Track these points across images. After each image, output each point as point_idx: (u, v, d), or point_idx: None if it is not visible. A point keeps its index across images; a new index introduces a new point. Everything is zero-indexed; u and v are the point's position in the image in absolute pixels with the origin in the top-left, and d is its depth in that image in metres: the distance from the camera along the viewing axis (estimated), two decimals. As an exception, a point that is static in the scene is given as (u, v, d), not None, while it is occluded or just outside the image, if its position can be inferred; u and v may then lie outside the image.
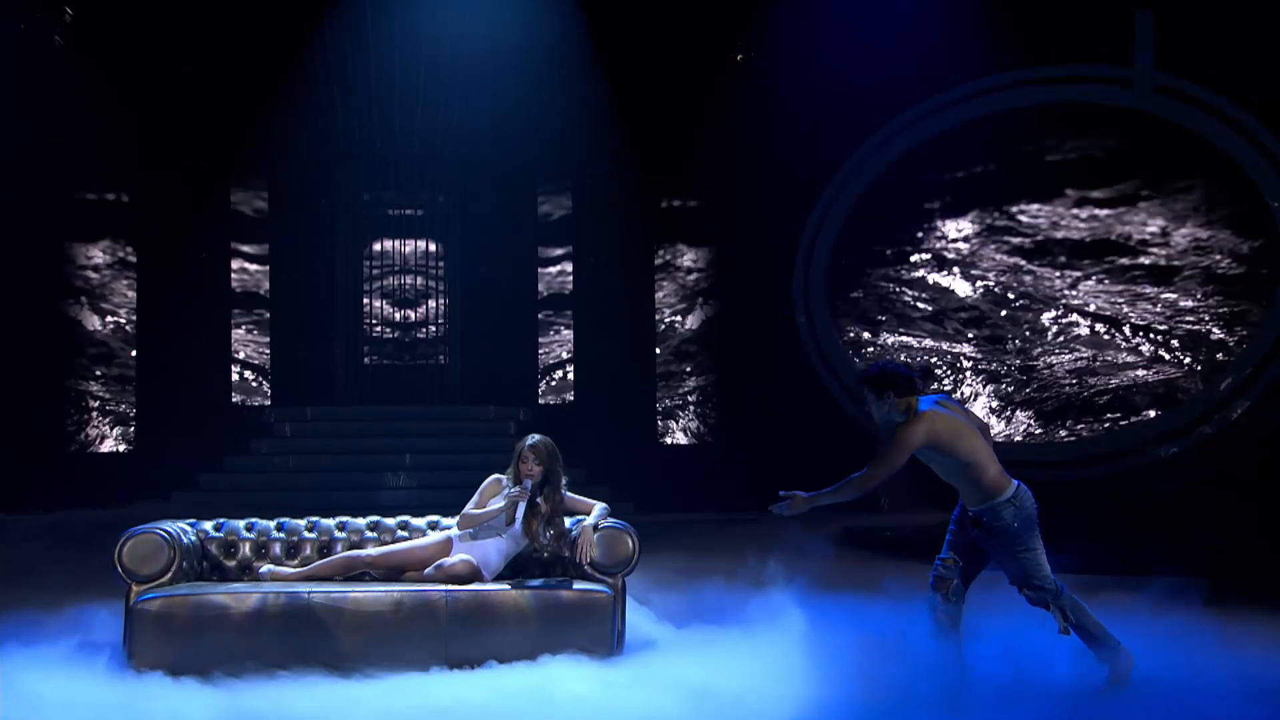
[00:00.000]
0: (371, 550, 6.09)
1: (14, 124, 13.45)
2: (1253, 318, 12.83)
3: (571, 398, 15.89)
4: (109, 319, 14.46)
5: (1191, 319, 13.09)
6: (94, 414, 14.29)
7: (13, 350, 13.61)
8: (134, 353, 14.51)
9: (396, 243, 15.67)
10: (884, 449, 5.13)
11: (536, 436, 6.24)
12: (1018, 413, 13.90)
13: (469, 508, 6.11)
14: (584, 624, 5.70)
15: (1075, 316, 13.71)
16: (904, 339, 14.57)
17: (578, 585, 5.88)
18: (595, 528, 6.00)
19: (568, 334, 16.07)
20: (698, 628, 6.29)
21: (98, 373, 14.31)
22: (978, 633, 5.35)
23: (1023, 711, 4.81)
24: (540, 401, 15.84)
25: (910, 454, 5.10)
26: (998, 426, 13.87)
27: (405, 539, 6.25)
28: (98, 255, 14.45)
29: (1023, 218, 14.01)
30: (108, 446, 14.18)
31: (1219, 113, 12.81)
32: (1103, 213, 13.60)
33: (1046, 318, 13.86)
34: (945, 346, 14.36)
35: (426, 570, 5.88)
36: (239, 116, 15.24)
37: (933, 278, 14.47)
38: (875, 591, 6.88)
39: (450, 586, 5.75)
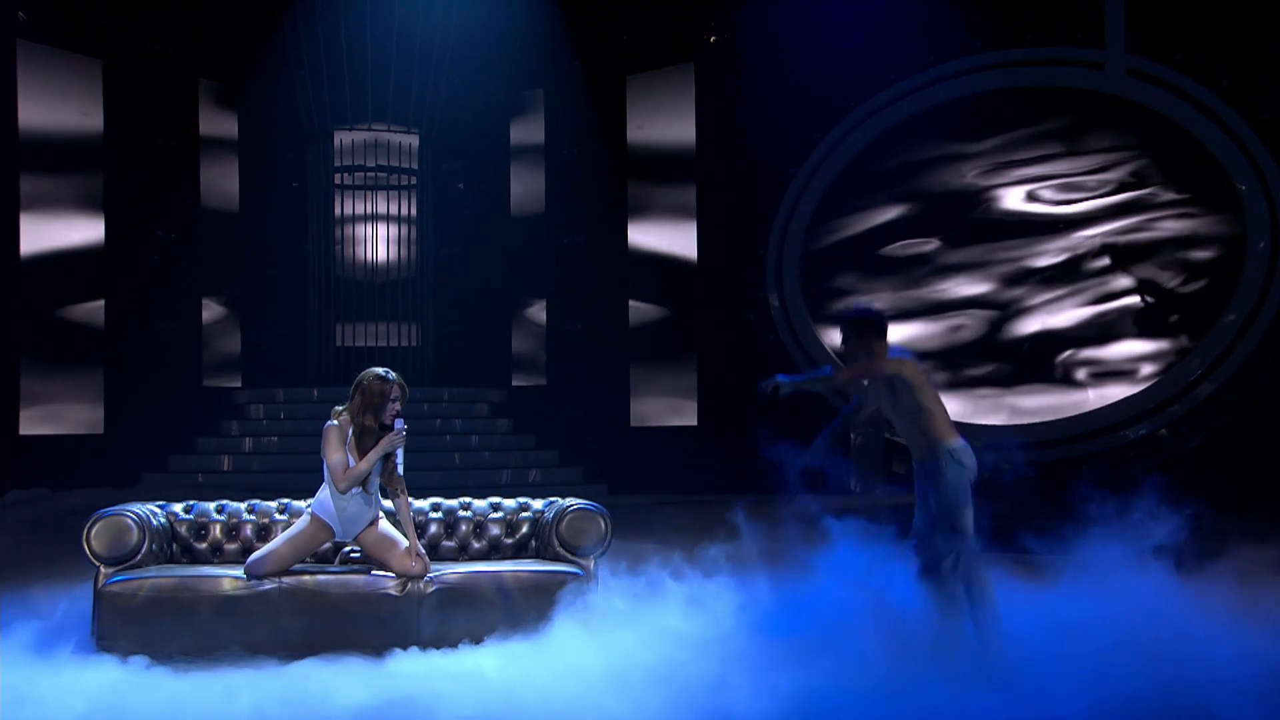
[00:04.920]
0: (258, 562, 5.66)
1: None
2: (1220, 298, 12.92)
3: (544, 380, 15.87)
4: (77, 299, 14.29)
5: (1160, 300, 13.18)
6: (62, 395, 14.14)
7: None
8: (103, 333, 14.36)
9: (369, 225, 15.58)
10: (858, 360, 5.55)
11: (390, 370, 5.82)
12: (984, 392, 13.98)
13: (335, 463, 5.66)
14: (556, 604, 5.70)
15: (1046, 298, 13.78)
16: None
17: (550, 566, 5.88)
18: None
19: (541, 316, 16.04)
20: (667, 608, 6.29)
21: (66, 353, 14.15)
22: None
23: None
24: (514, 384, 15.81)
25: (879, 377, 5.50)
26: (966, 406, 13.95)
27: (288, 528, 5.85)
28: (66, 235, 14.26)
29: (995, 200, 14.06)
30: (76, 428, 14.03)
31: (1188, 96, 12.88)
32: (1074, 195, 13.66)
33: (1017, 297, 13.92)
34: (918, 326, 14.41)
35: (394, 569, 5.69)
36: (209, 96, 15.11)
37: (906, 259, 14.51)
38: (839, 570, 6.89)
39: (422, 571, 5.72)
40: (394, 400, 5.76)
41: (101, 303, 14.37)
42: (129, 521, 5.73)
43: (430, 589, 5.68)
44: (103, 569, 5.64)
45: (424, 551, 5.82)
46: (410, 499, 6.02)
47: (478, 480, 13.08)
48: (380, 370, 5.85)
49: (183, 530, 6.14)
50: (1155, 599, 5.69)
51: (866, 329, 5.59)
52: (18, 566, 8.50)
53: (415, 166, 15.57)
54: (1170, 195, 13.20)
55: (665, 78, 15.40)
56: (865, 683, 4.89)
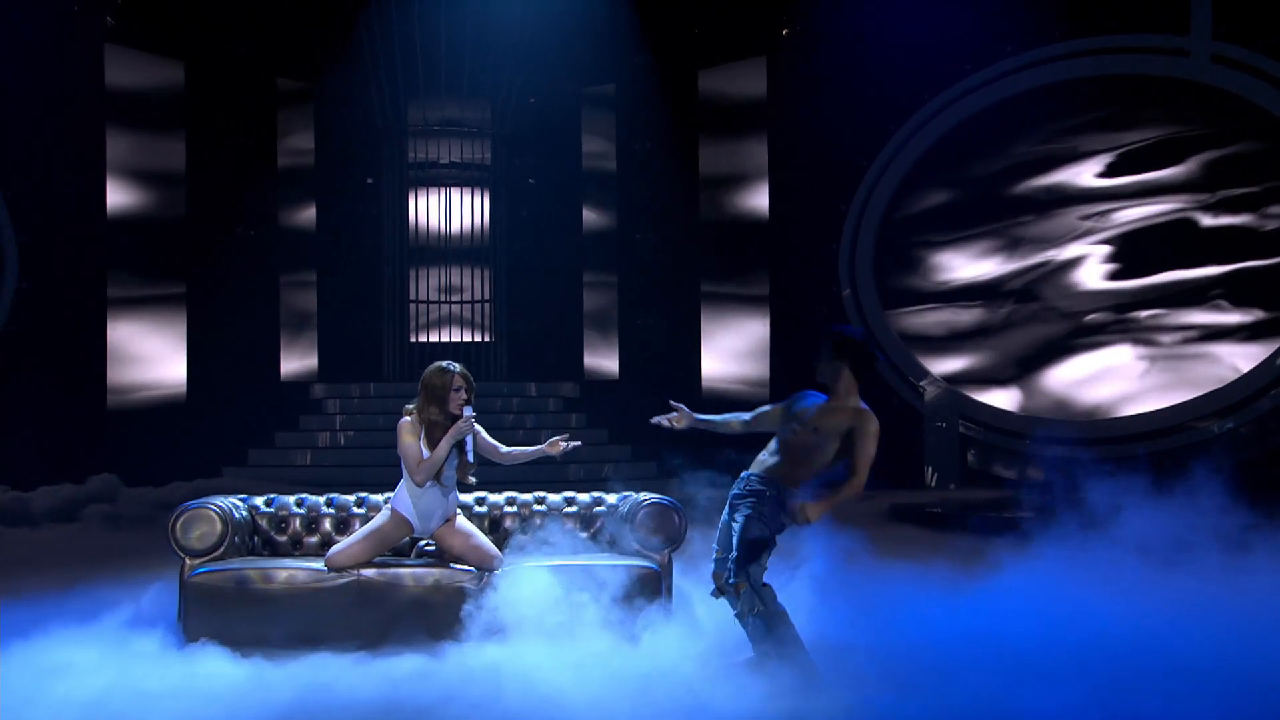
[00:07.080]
0: (339, 555, 5.72)
1: (65, 96, 13.65)
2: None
3: (617, 374, 15.91)
4: (160, 296, 14.62)
5: (1246, 289, 12.86)
6: (145, 390, 14.47)
7: (66, 327, 13.81)
8: (185, 329, 14.68)
9: (442, 222, 15.71)
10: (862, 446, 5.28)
11: (452, 363, 5.92)
12: (1060, 386, 13.74)
13: (409, 456, 5.79)
14: (631, 598, 5.69)
15: (1127, 284, 13.50)
16: (951, 310, 14.43)
17: (624, 561, 5.88)
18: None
19: (613, 310, 16.07)
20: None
21: (150, 349, 14.48)
22: None
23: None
24: (585, 377, 15.86)
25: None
26: (1027, 399, 13.73)
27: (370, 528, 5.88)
28: (150, 234, 14.59)
29: (1076, 188, 13.80)
30: (160, 422, 14.36)
31: (1277, 81, 12.53)
32: (1157, 183, 13.36)
33: (1094, 285, 13.66)
34: (991, 318, 14.20)
35: (470, 563, 5.77)
36: (287, 95, 15.34)
37: (982, 251, 14.31)
38: (919, 569, 6.83)
39: (495, 565, 5.77)
40: (457, 390, 5.85)
41: (184, 299, 14.69)
42: (213, 514, 5.83)
43: (508, 582, 5.70)
44: (188, 560, 5.75)
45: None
46: (485, 493, 6.10)
47: (550, 475, 13.13)
48: (441, 363, 5.97)
49: (264, 523, 6.24)
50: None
51: (844, 357, 5.40)
52: (103, 557, 8.72)
53: (488, 163, 15.67)
54: (1258, 183, 12.86)
55: (737, 71, 15.34)
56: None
